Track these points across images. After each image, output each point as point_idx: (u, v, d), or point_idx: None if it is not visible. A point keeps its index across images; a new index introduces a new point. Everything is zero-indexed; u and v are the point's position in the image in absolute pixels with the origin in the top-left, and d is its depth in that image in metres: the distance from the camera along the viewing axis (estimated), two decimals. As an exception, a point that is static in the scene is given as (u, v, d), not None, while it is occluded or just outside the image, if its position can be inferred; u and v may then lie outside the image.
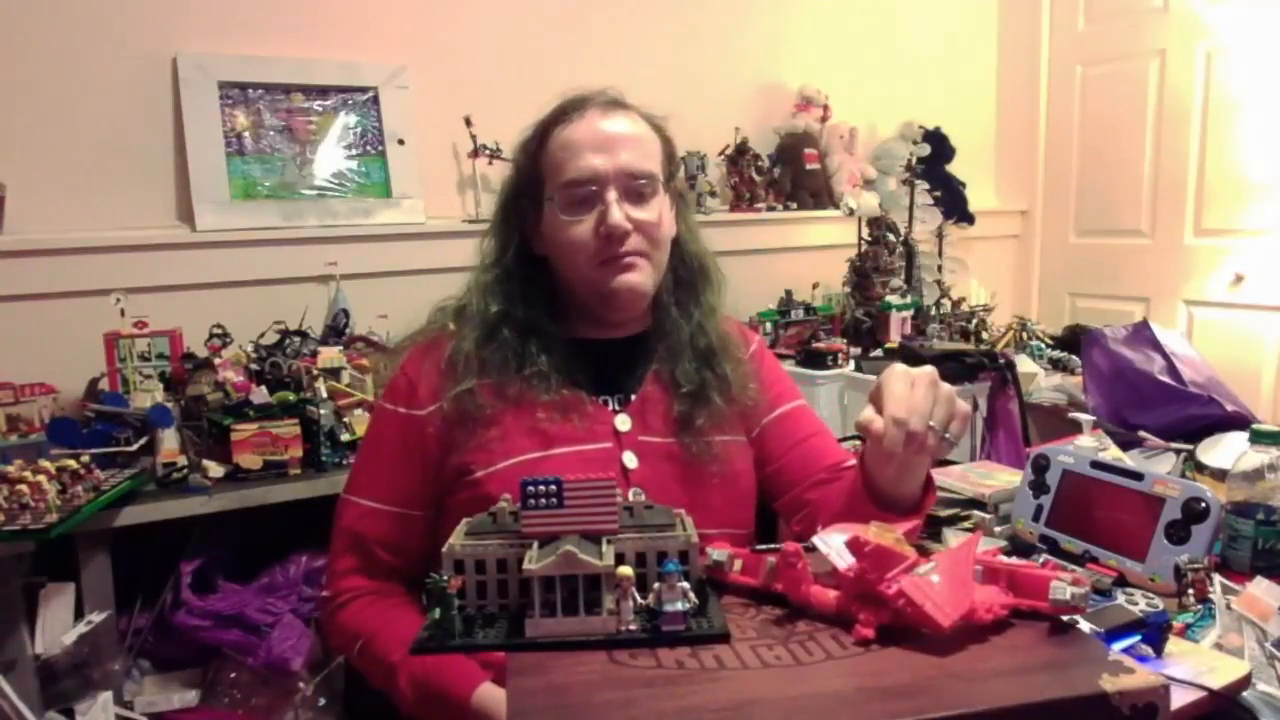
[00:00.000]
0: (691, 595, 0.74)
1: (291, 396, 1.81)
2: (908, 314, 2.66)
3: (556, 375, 1.09)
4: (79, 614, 1.57)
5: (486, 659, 0.98)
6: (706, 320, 1.18)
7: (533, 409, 1.08)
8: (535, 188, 1.13)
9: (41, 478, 1.46)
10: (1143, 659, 0.90)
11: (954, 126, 3.12)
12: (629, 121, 1.12)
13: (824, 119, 2.95)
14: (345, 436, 1.82)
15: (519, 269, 1.15)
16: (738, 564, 0.83)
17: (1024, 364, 2.57)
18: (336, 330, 2.12)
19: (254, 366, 1.91)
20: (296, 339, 2.02)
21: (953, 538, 1.34)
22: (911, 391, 0.92)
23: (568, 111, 1.12)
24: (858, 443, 1.34)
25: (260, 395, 1.79)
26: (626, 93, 1.16)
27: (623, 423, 1.12)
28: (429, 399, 1.09)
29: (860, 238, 2.74)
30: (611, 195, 1.07)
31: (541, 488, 0.76)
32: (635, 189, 1.09)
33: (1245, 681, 0.88)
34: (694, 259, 1.20)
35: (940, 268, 3.00)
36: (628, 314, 1.15)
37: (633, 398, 1.14)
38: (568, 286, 1.14)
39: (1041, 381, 2.55)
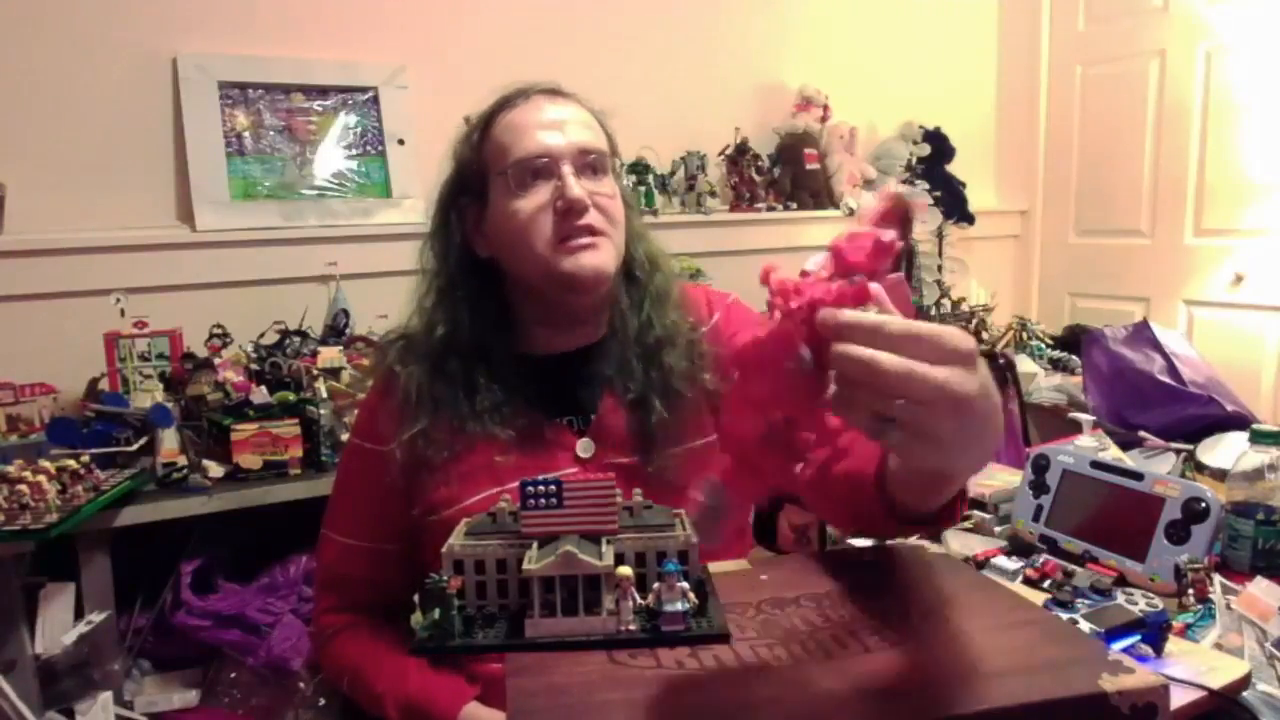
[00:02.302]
0: (691, 595, 0.74)
1: (291, 396, 1.81)
2: (907, 314, 2.65)
3: (511, 403, 1.03)
4: (79, 614, 1.57)
5: (476, 671, 0.98)
6: (656, 309, 1.09)
7: (491, 443, 1.02)
8: (479, 180, 1.06)
9: (41, 478, 1.46)
10: (1142, 659, 0.90)
11: (954, 126, 3.12)
12: (576, 108, 1.07)
13: (824, 119, 2.95)
14: (345, 436, 1.82)
15: (462, 276, 1.08)
16: None
17: (1024, 364, 2.57)
18: (336, 330, 2.12)
19: (254, 366, 1.91)
20: (296, 339, 2.02)
21: (953, 538, 1.34)
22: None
23: (511, 99, 1.06)
24: None
25: (260, 395, 1.79)
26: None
27: (585, 448, 1.05)
28: (390, 435, 1.04)
29: (860, 238, 2.74)
30: (567, 168, 1.01)
31: (541, 487, 0.76)
32: (589, 164, 1.03)
33: (1245, 681, 0.88)
34: (647, 260, 1.12)
35: (940, 268, 3.00)
36: (588, 300, 1.06)
37: (593, 417, 1.07)
38: (519, 285, 1.07)
39: (1041, 381, 2.55)
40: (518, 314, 1.09)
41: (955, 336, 0.57)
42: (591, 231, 1.01)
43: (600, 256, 1.02)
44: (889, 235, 0.59)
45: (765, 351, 0.60)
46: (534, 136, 1.02)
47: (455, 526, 0.82)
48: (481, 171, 1.06)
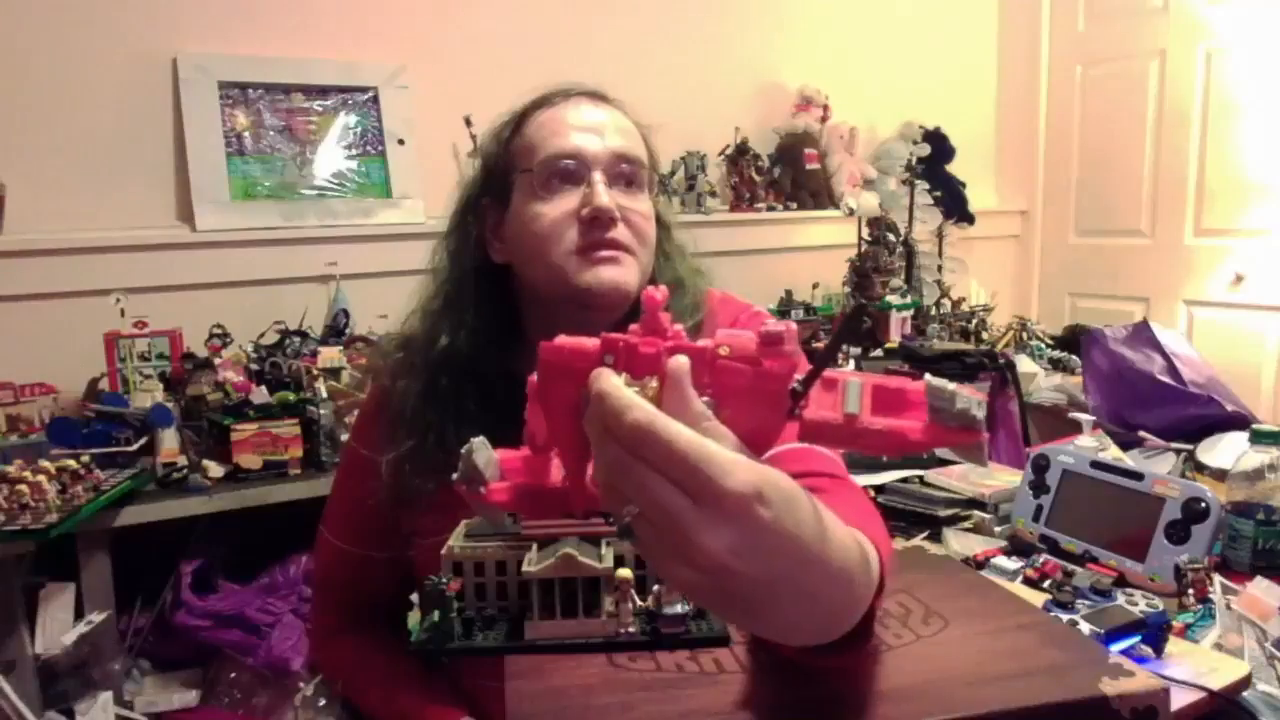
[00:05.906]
0: (691, 597, 0.73)
1: (291, 396, 1.81)
2: (908, 314, 2.66)
3: (502, 431, 0.82)
4: (79, 614, 1.57)
5: (468, 686, 0.97)
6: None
7: None
8: (503, 179, 0.98)
9: (41, 478, 1.47)
10: (1142, 659, 0.90)
11: (954, 126, 3.12)
12: (619, 115, 0.99)
13: (824, 119, 2.95)
14: (345, 436, 1.82)
15: (472, 282, 1.00)
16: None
17: (1024, 364, 2.57)
18: (336, 330, 2.12)
19: (254, 366, 1.91)
20: (296, 339, 2.02)
21: (953, 538, 1.34)
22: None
23: (550, 96, 0.99)
24: None
25: (260, 395, 1.79)
26: (626, 93, 1.08)
27: None
28: (381, 447, 1.00)
29: (860, 238, 2.74)
30: (598, 176, 0.93)
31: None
32: (625, 174, 0.95)
33: (1245, 682, 0.88)
34: (675, 283, 1.00)
35: (940, 268, 3.00)
36: (603, 319, 0.92)
37: None
38: (531, 297, 0.99)
39: (1041, 381, 2.55)
40: (527, 330, 1.00)
41: (719, 464, 0.41)
42: (616, 246, 0.93)
43: (623, 273, 0.93)
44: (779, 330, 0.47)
45: (573, 363, 0.50)
46: (568, 136, 0.94)
47: (438, 553, 0.76)
48: (506, 169, 0.98)
